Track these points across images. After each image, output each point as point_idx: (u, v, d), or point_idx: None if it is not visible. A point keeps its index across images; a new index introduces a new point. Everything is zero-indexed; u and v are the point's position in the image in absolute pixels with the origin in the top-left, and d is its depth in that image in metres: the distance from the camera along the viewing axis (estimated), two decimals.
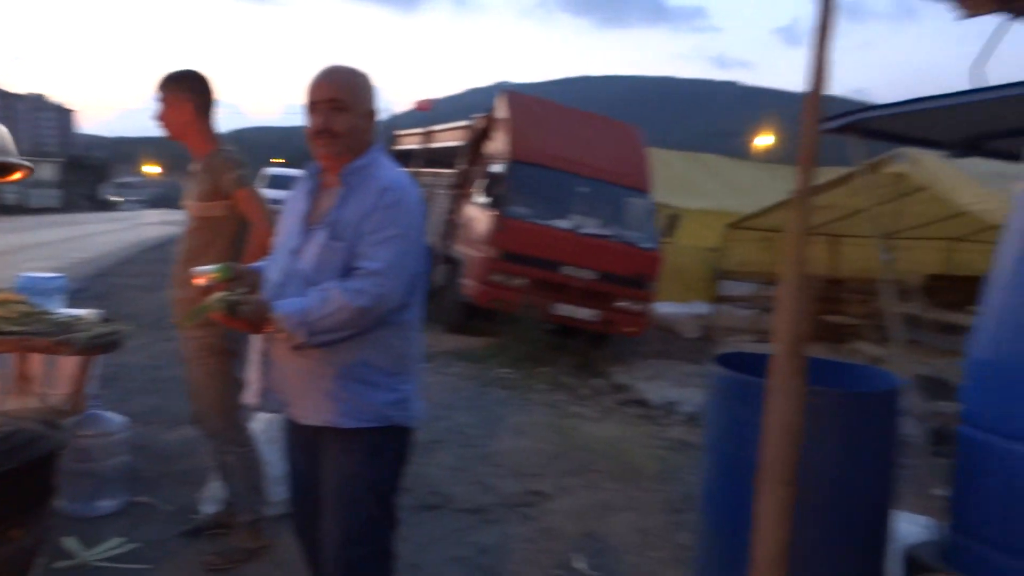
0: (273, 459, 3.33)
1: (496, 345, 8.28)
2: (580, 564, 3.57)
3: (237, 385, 2.81)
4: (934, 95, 3.32)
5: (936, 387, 6.33)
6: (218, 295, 2.12)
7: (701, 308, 11.99)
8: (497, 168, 9.30)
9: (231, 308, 2.11)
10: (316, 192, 2.36)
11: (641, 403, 7.19)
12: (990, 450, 2.39)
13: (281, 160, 46.90)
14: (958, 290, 8.97)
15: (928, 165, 6.64)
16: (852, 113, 3.90)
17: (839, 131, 4.02)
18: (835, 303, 11.61)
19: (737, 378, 2.67)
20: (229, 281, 2.22)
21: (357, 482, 2.32)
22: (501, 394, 6.80)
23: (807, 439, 2.11)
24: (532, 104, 10.34)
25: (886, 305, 4.76)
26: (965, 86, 3.13)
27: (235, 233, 3.12)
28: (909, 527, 2.99)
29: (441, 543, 3.66)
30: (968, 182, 7.03)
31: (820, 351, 5.33)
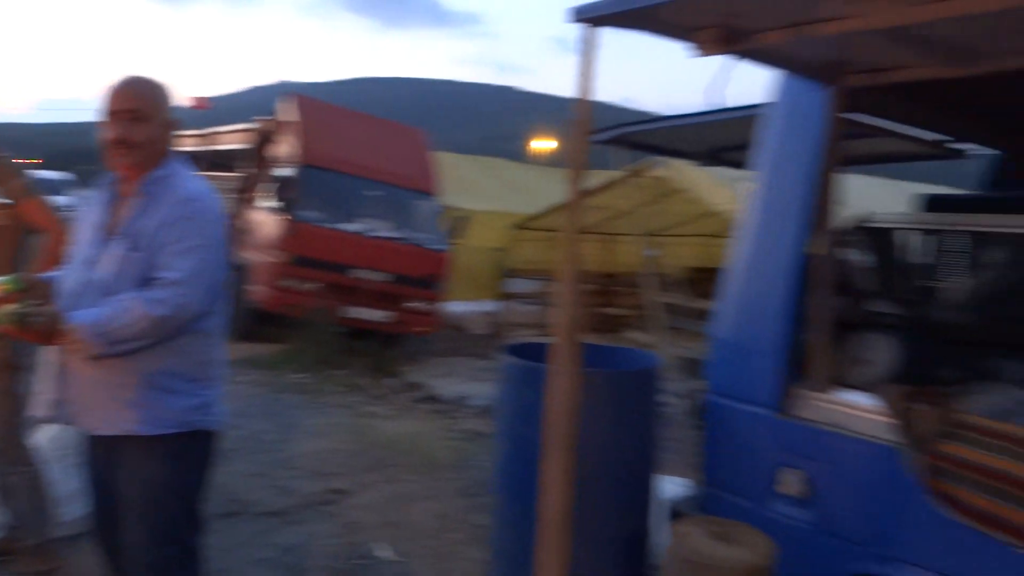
0: (63, 476, 3.19)
1: (288, 351, 8.19)
2: (383, 552, 3.74)
3: (20, 401, 2.69)
4: (681, 114, 3.86)
5: (695, 367, 7.13)
6: (8, 307, 2.07)
7: (489, 306, 12.49)
8: (286, 172, 9.16)
9: (22, 320, 2.07)
10: (113, 202, 2.35)
11: (434, 399, 7.46)
12: (726, 412, 2.86)
13: (38, 160, 42.31)
14: (715, 281, 10.10)
15: (684, 170, 7.44)
16: (616, 127, 4.39)
17: (605, 143, 4.50)
18: (609, 296, 12.60)
19: (524, 365, 2.98)
20: (20, 292, 2.16)
21: (161, 487, 2.34)
22: (296, 399, 6.77)
23: (583, 413, 2.44)
24: (322, 108, 10.29)
25: (650, 296, 5.33)
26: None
27: (18, 242, 2.97)
28: (673, 487, 3.45)
29: (244, 547, 3.67)
30: (717, 185, 7.99)
31: (596, 339, 5.86)
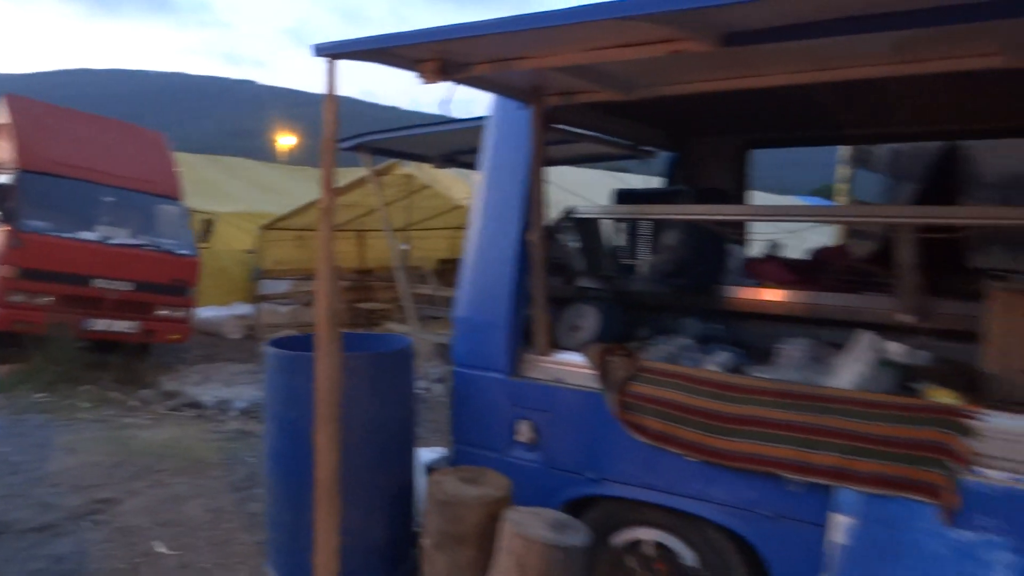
0: None
1: (25, 370, 7.64)
2: (161, 548, 3.86)
3: None
4: (420, 124, 4.35)
5: (448, 352, 7.71)
6: None
7: (243, 309, 12.31)
8: (3, 179, 8.46)
9: None
10: None
11: (194, 405, 7.39)
12: (469, 380, 3.38)
13: None
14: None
15: (429, 168, 7.95)
16: (359, 136, 4.77)
17: (351, 149, 4.86)
18: (367, 291, 12.93)
19: (290, 354, 3.29)
20: None
21: None
22: (41, 419, 6.42)
23: (348, 391, 2.83)
24: (38, 108, 9.55)
25: (404, 289, 5.78)
26: None
27: None
28: (432, 455, 3.92)
29: (12, 563, 3.62)
30: (459, 181, 8.62)
31: (355, 332, 6.19)
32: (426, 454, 3.87)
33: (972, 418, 2.39)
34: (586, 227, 3.90)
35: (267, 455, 3.46)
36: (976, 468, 2.33)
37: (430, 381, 7.13)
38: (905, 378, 2.79)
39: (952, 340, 3.08)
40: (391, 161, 8.49)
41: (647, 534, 2.98)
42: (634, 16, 2.04)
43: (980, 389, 2.77)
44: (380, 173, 8.56)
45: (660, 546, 2.95)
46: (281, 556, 3.39)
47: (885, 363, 2.79)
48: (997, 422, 2.36)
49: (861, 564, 2.43)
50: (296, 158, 28.07)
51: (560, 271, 3.76)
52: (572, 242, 3.88)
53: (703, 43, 2.23)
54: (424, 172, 8.67)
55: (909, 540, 2.38)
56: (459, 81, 2.83)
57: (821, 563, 2.51)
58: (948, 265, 3.36)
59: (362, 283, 13.03)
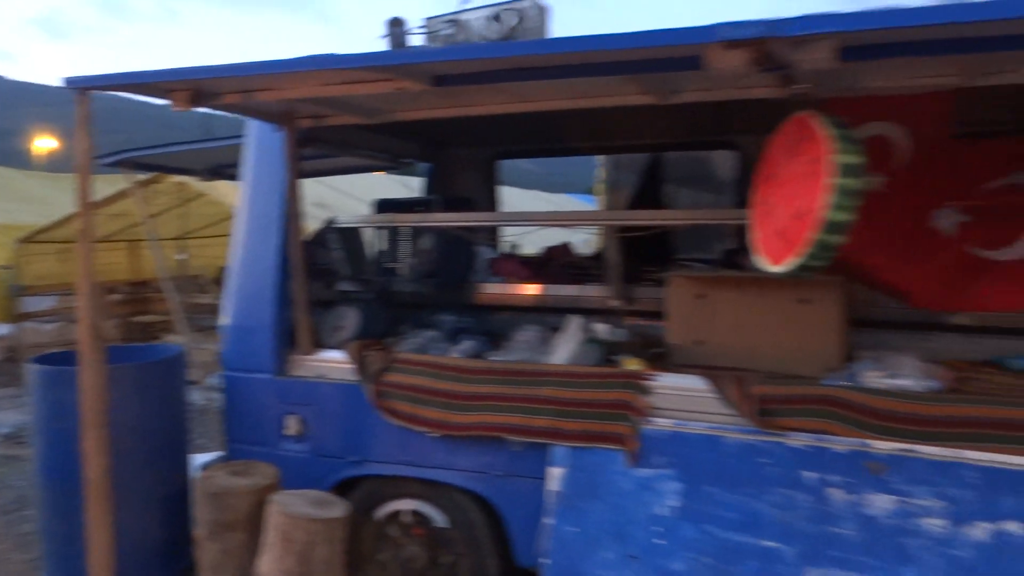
0: None
1: None
2: None
3: None
4: (180, 142, 4.50)
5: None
6: None
7: (2, 329, 11.39)
8: None
9: None
10: None
11: None
12: (239, 383, 3.63)
13: None
14: None
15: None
16: (119, 153, 4.80)
17: (112, 165, 4.88)
18: (142, 304, 12.39)
19: (54, 369, 3.38)
20: None
21: None
22: None
23: (116, 400, 3.01)
24: None
25: (174, 300, 5.81)
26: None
27: None
28: (209, 458, 4.10)
29: None
30: (236, 188, 8.60)
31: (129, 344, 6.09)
32: (203, 458, 4.06)
33: (648, 380, 3.02)
34: (347, 235, 4.26)
35: (37, 470, 3.50)
36: (651, 418, 2.96)
37: (210, 391, 7.13)
38: (609, 352, 3.41)
39: (651, 319, 3.76)
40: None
41: (405, 505, 3.40)
42: (355, 68, 2.44)
43: (665, 357, 3.45)
44: (150, 181, 8.38)
45: (416, 514, 3.38)
46: (57, 567, 3.47)
47: (591, 341, 3.39)
48: (665, 381, 3.01)
49: (571, 505, 2.99)
50: (56, 163, 25.87)
51: (323, 276, 4.08)
52: (335, 249, 4.22)
53: (418, 84, 2.67)
54: (198, 180, 8.57)
55: (606, 481, 2.97)
56: (211, 107, 3.09)
57: (542, 510, 3.05)
58: (655, 257, 4.07)
59: (137, 296, 12.47)
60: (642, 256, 3.91)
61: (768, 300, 3.29)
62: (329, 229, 4.17)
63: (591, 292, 3.95)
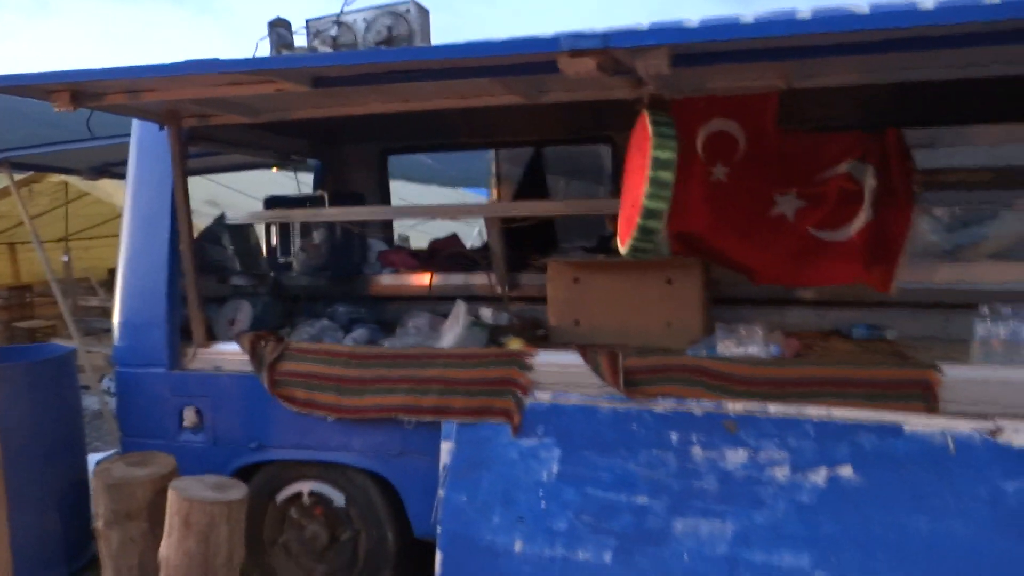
0: None
1: None
2: None
3: None
4: (65, 141, 4.45)
5: None
6: None
7: None
8: None
9: None
10: None
11: None
12: (134, 378, 3.69)
13: None
14: None
15: None
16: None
17: None
18: (26, 308, 11.90)
19: None
20: None
21: None
22: None
23: (8, 399, 3.04)
24: None
25: (63, 303, 5.72)
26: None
27: None
28: (106, 456, 4.12)
29: None
30: (122, 187, 8.39)
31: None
32: (99, 457, 4.08)
33: (529, 358, 3.26)
34: (238, 231, 4.34)
35: None
36: (533, 393, 3.20)
37: (104, 395, 7.00)
38: (494, 334, 3.63)
39: (535, 303, 4.02)
40: None
41: (304, 487, 3.54)
42: (234, 72, 2.57)
43: (547, 337, 3.71)
44: (30, 181, 8.10)
45: (315, 494, 3.53)
46: None
47: (477, 325, 3.61)
48: (544, 358, 3.26)
49: (462, 476, 3.20)
50: None
51: (216, 271, 4.15)
52: (227, 245, 4.29)
53: (299, 86, 2.82)
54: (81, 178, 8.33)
55: (493, 453, 3.20)
56: (93, 108, 3.14)
57: (436, 483, 3.25)
58: (539, 245, 4.32)
59: (19, 300, 11.97)
60: (526, 245, 4.15)
61: (637, 282, 3.59)
62: (220, 226, 4.24)
63: (478, 280, 4.17)
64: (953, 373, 2.81)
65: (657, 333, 3.51)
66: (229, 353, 3.64)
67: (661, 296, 3.54)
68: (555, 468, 3.13)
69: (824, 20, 2.35)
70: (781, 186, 3.41)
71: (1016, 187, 3.37)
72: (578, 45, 2.21)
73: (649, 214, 2.55)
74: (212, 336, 3.76)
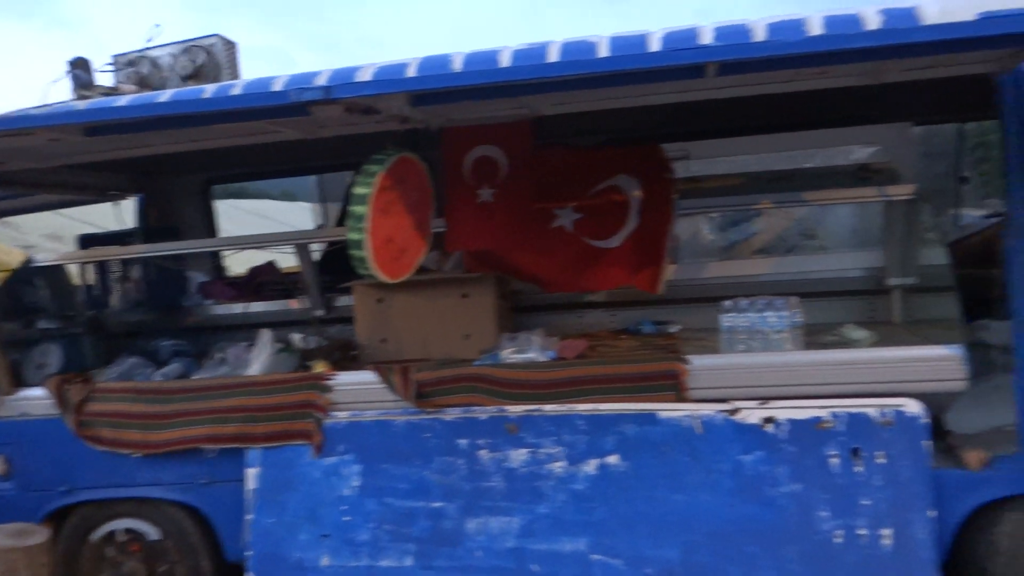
0: None
1: None
2: None
3: None
4: None
5: None
6: None
7: None
8: None
9: None
10: None
11: None
12: None
13: None
14: None
15: None
16: None
17: None
18: None
19: None
20: None
21: None
22: None
23: None
24: None
25: None
26: None
27: None
28: None
29: None
30: None
31: None
32: None
33: (329, 379, 3.42)
34: (50, 271, 4.31)
35: None
36: (333, 413, 3.37)
37: None
38: (304, 359, 3.78)
39: (349, 324, 4.18)
40: None
41: (119, 524, 3.59)
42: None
43: (356, 357, 3.88)
44: None
45: (130, 531, 3.58)
46: None
47: (284, 350, 3.75)
48: (343, 379, 3.43)
49: (268, 499, 3.34)
50: None
51: (24, 315, 4.13)
52: (38, 287, 4.26)
53: (73, 135, 2.90)
54: None
55: (297, 474, 3.35)
56: None
57: (244, 508, 3.37)
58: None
59: None
60: (342, 268, 4.31)
61: (436, 298, 3.80)
62: (29, 268, 4.21)
63: (295, 305, 4.31)
64: (699, 363, 3.16)
65: (457, 345, 3.73)
66: (36, 398, 3.64)
67: (458, 310, 3.77)
68: (356, 483, 3.31)
69: (526, 68, 2.61)
70: (559, 200, 3.70)
71: (763, 190, 3.76)
72: (301, 97, 2.41)
73: (351, 244, 2.79)
74: (20, 382, 3.75)
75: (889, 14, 2.70)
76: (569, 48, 2.88)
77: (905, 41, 2.52)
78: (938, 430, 3.11)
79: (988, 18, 2.53)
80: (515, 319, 4.03)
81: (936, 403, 3.01)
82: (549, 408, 3.21)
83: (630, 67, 2.66)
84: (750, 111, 3.69)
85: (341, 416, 3.36)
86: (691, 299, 4.00)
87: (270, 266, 4.63)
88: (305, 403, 3.38)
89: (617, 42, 2.87)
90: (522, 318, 4.07)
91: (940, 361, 2.93)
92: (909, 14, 2.68)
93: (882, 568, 2.88)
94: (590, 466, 3.16)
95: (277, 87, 2.76)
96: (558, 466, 3.18)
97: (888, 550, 2.88)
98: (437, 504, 3.25)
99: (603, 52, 2.81)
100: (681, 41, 2.75)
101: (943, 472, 2.95)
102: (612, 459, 3.15)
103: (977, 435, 3.08)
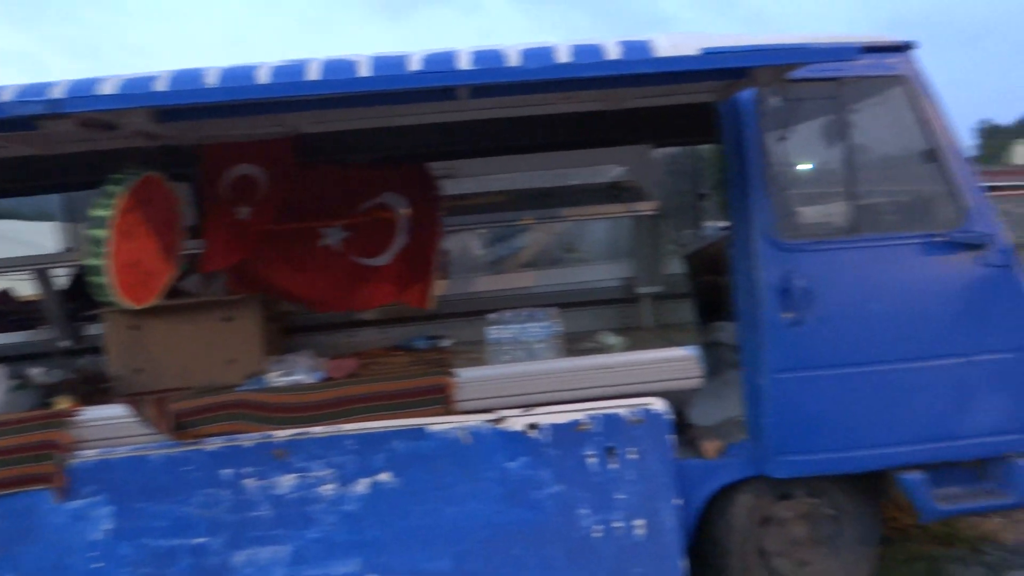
0: None
1: None
2: None
3: None
4: None
5: None
6: None
7: None
8: None
9: None
10: None
11: None
12: None
13: None
14: None
15: None
16: None
17: None
18: None
19: None
20: None
21: None
22: None
23: None
24: None
25: None
26: None
27: None
28: None
29: None
30: None
31: None
32: None
33: (73, 416, 3.15)
34: None
35: None
36: (78, 452, 3.09)
37: None
38: (46, 394, 3.45)
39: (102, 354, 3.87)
40: None
41: None
42: None
43: (109, 390, 3.60)
44: None
45: None
46: None
47: (22, 387, 3.41)
48: (91, 414, 3.16)
49: (4, 553, 3.01)
50: None
51: None
52: None
53: None
54: None
55: (37, 521, 3.04)
56: None
57: None
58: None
59: None
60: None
61: (196, 322, 3.61)
62: None
63: (38, 336, 3.92)
64: (467, 375, 3.24)
65: (220, 371, 3.56)
66: None
67: (221, 334, 3.60)
68: (108, 525, 3.07)
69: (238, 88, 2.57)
70: (327, 219, 3.66)
71: (526, 207, 3.94)
72: (23, 111, 2.22)
73: (90, 269, 2.63)
74: None
75: (628, 45, 2.95)
76: (330, 67, 2.88)
77: (637, 71, 2.76)
78: (684, 425, 3.42)
79: (709, 53, 2.85)
80: (286, 341, 3.93)
81: (679, 400, 3.30)
82: (318, 430, 3.15)
83: (384, 88, 2.69)
84: (514, 131, 3.86)
85: (89, 455, 3.10)
86: (463, 313, 4.09)
87: (3, 295, 4.17)
88: (44, 443, 3.08)
89: (379, 62, 2.90)
90: (294, 340, 3.97)
91: (679, 361, 3.22)
92: (644, 46, 2.95)
93: (636, 556, 3.10)
94: (361, 486, 3.14)
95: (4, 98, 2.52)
96: (328, 488, 3.13)
97: (641, 539, 3.10)
98: (200, 540, 3.08)
99: (364, 72, 2.85)
100: (437, 64, 2.84)
101: (686, 463, 3.25)
102: (383, 477, 3.15)
103: (714, 426, 3.42)
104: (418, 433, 3.14)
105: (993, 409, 3.21)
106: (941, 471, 3.26)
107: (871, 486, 3.38)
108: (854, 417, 3.18)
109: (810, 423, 3.18)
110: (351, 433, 3.14)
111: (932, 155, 3.26)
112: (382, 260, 3.69)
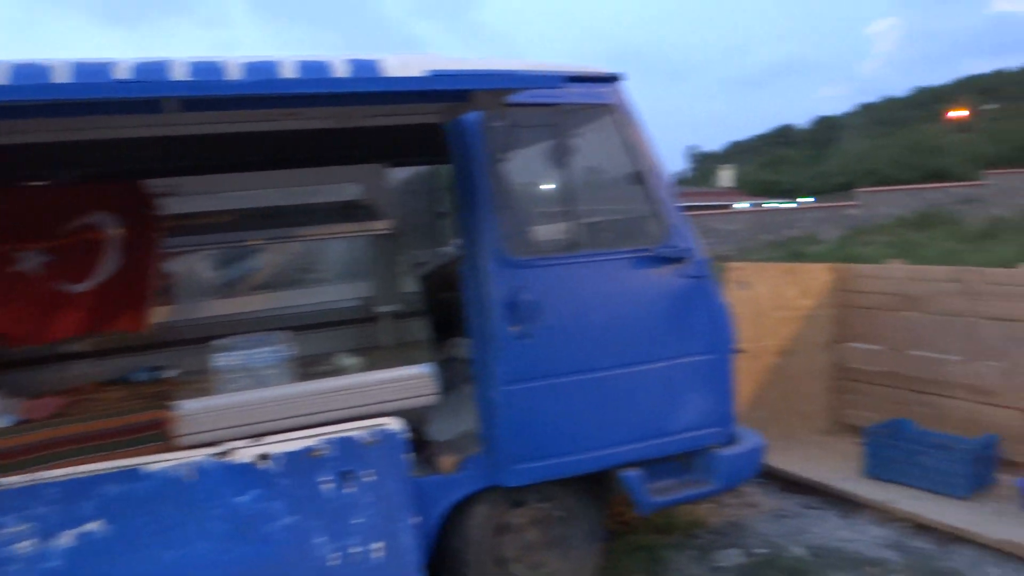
0: None
1: None
2: None
3: None
4: None
5: None
6: None
7: None
8: None
9: None
10: None
11: None
12: None
13: None
14: None
15: None
16: None
17: None
18: None
19: None
20: None
21: None
22: None
23: None
24: None
25: None
26: None
27: None
28: None
29: None
30: None
31: None
32: None
33: None
34: None
35: None
36: None
37: None
38: None
39: None
40: None
41: None
42: None
43: None
44: None
45: None
46: None
47: None
48: None
49: None
50: None
51: None
52: None
53: None
54: None
55: None
56: None
57: None
58: None
59: None
60: None
61: None
62: None
63: None
64: (189, 407, 3.03)
65: None
66: None
67: None
68: None
69: None
70: (22, 242, 3.27)
71: (257, 227, 3.77)
72: None
73: None
74: None
75: (356, 64, 2.93)
76: (21, 72, 2.57)
77: (355, 90, 2.74)
78: (423, 442, 3.44)
79: (434, 75, 2.90)
80: None
81: (416, 418, 3.32)
82: (13, 480, 2.78)
83: (77, 97, 2.45)
84: (243, 148, 3.69)
85: None
86: (191, 340, 3.83)
87: None
88: None
89: (81, 69, 2.63)
90: None
91: (413, 379, 3.24)
92: (372, 65, 2.94)
93: None
94: (67, 538, 2.81)
95: None
96: (27, 545, 2.77)
97: (380, 561, 3.06)
98: None
99: (59, 78, 2.57)
100: (147, 73, 2.64)
101: (424, 480, 3.26)
102: (93, 526, 2.83)
103: (451, 441, 3.48)
104: (132, 474, 2.87)
105: (695, 407, 3.57)
106: (655, 466, 3.56)
107: (597, 486, 3.61)
108: (578, 422, 3.38)
109: (539, 431, 3.33)
110: (55, 480, 2.80)
111: (638, 178, 3.57)
112: (90, 284, 3.36)
